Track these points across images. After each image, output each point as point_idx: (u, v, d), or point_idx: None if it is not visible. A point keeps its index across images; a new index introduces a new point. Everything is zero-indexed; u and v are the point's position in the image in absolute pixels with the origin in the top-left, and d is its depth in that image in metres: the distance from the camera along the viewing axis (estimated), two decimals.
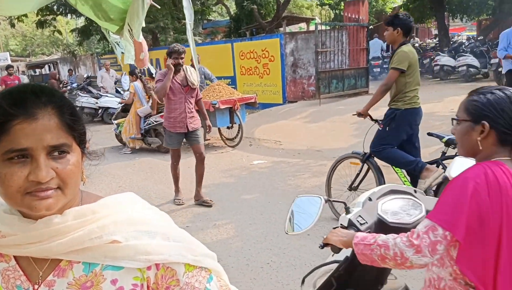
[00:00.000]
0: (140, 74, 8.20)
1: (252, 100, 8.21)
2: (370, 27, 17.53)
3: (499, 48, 6.81)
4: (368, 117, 4.05)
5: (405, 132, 3.95)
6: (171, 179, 6.09)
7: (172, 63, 4.59)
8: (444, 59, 13.41)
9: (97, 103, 12.53)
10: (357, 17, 11.96)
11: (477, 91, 1.39)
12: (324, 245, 1.58)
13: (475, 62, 12.48)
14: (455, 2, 18.21)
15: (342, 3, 16.32)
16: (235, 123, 7.98)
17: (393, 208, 1.64)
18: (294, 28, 20.44)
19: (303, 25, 20.30)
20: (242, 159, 7.02)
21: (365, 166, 4.17)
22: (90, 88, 14.08)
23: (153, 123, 7.91)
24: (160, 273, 0.85)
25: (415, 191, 1.77)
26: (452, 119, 1.46)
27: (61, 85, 14.25)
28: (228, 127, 8.05)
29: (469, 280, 1.29)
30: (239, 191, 5.38)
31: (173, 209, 4.88)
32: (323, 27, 11.45)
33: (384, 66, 16.01)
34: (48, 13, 17.20)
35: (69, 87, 14.76)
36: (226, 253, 3.71)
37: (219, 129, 8.19)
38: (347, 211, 1.68)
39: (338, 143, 7.23)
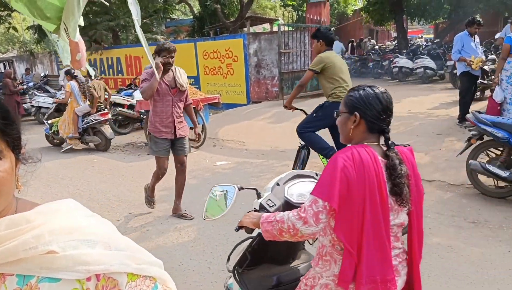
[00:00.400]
0: (75, 74, 8.30)
1: (216, 100, 8.15)
2: (332, 29, 17.82)
3: (453, 50, 7.06)
4: (293, 109, 4.86)
5: (328, 121, 4.47)
6: (131, 181, 5.98)
7: (161, 62, 4.12)
8: (403, 61, 13.82)
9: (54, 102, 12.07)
10: (319, 18, 12.12)
11: (354, 89, 1.64)
12: (239, 227, 1.77)
13: (431, 64, 12.94)
14: (413, 5, 18.82)
15: (305, 5, 16.53)
16: (199, 124, 7.88)
17: (299, 191, 1.86)
18: (258, 28, 20.49)
19: (267, 26, 20.39)
20: (206, 160, 6.95)
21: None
22: (47, 87, 13.60)
23: (92, 121, 8.01)
24: (101, 284, 0.81)
25: (317, 175, 1.97)
26: (335, 111, 1.70)
27: (16, 84, 13.63)
28: (191, 128, 7.95)
29: (343, 245, 1.50)
30: (202, 192, 5.31)
31: (133, 212, 4.76)
32: (286, 28, 11.53)
33: None
34: (2, 8, 16.43)
35: (25, 86, 14.17)
36: (187, 257, 3.65)
37: None
38: (259, 196, 1.91)
39: None
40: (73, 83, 8.16)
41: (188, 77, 14.38)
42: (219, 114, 10.88)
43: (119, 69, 15.72)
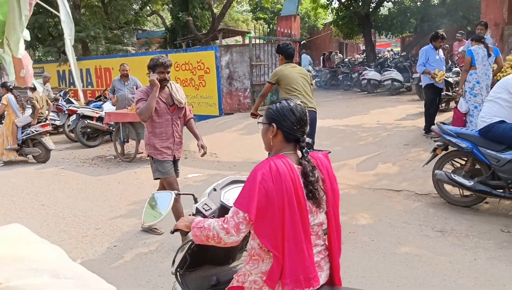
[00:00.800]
0: (11, 87, 8.32)
1: None
2: (303, 42, 18.09)
3: (418, 63, 7.27)
4: (259, 116, 5.16)
5: None
6: (99, 196, 5.83)
7: (157, 78, 3.78)
8: (371, 74, 14.14)
9: None
10: (289, 32, 12.28)
11: (273, 102, 1.80)
12: (175, 230, 1.89)
13: (399, 76, 13.29)
14: (381, 20, 19.35)
15: (276, 18, 16.76)
16: None
17: (235, 195, 1.90)
18: (230, 41, 20.60)
19: (239, 38, 20.51)
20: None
21: None
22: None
23: (33, 133, 8.06)
24: None
25: None
26: (258, 122, 1.87)
27: None
28: None
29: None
30: None
31: (100, 228, 4.62)
32: (258, 41, 11.63)
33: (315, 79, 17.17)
34: None
35: None
36: (156, 273, 3.56)
37: None
38: (196, 201, 2.04)
39: None
40: (9, 96, 8.20)
41: None
42: None
43: (89, 80, 15.43)
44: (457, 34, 11.79)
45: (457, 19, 17.00)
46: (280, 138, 1.75)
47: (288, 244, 1.60)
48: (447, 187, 4.71)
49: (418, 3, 19.32)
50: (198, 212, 1.94)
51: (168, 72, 3.91)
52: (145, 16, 21.28)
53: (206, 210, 1.93)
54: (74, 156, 8.62)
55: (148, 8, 21.45)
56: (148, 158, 4.20)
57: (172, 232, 1.92)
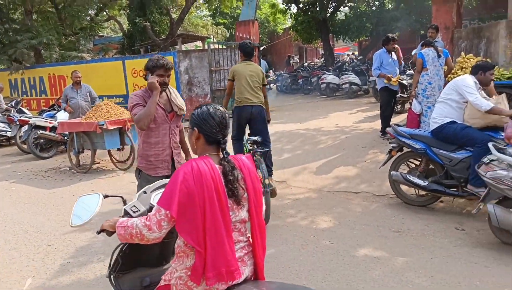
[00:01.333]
0: None
1: None
2: (263, 47, 18.17)
3: (373, 67, 7.43)
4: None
5: (237, 124, 5.29)
6: (52, 210, 5.58)
7: (157, 81, 3.34)
8: (330, 78, 14.38)
9: None
10: (248, 36, 12.30)
11: (196, 107, 1.92)
12: (101, 231, 1.94)
13: (356, 80, 13.60)
14: (338, 24, 19.75)
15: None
16: (126, 145, 7.58)
17: None
18: (190, 46, 20.41)
19: (199, 43, 20.36)
20: (134, 183, 6.65)
21: None
22: None
23: None
24: None
25: None
26: (184, 127, 1.95)
27: None
28: (118, 149, 7.62)
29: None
30: None
31: (53, 244, 4.39)
32: (217, 46, 11.57)
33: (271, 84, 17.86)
34: None
35: None
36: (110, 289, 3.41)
37: (108, 151, 7.73)
38: (125, 203, 2.11)
39: None
40: None
41: (117, 96, 13.89)
42: None
43: (42, 89, 14.85)
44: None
45: (410, 23, 17.59)
46: (202, 141, 1.87)
47: (209, 239, 1.69)
48: (403, 187, 4.81)
49: (373, 8, 19.86)
50: (126, 214, 2.00)
51: (169, 76, 3.49)
52: (100, 23, 20.70)
53: (134, 212, 1.99)
54: (27, 169, 8.22)
55: (104, 13, 20.91)
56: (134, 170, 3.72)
57: (98, 233, 1.97)
